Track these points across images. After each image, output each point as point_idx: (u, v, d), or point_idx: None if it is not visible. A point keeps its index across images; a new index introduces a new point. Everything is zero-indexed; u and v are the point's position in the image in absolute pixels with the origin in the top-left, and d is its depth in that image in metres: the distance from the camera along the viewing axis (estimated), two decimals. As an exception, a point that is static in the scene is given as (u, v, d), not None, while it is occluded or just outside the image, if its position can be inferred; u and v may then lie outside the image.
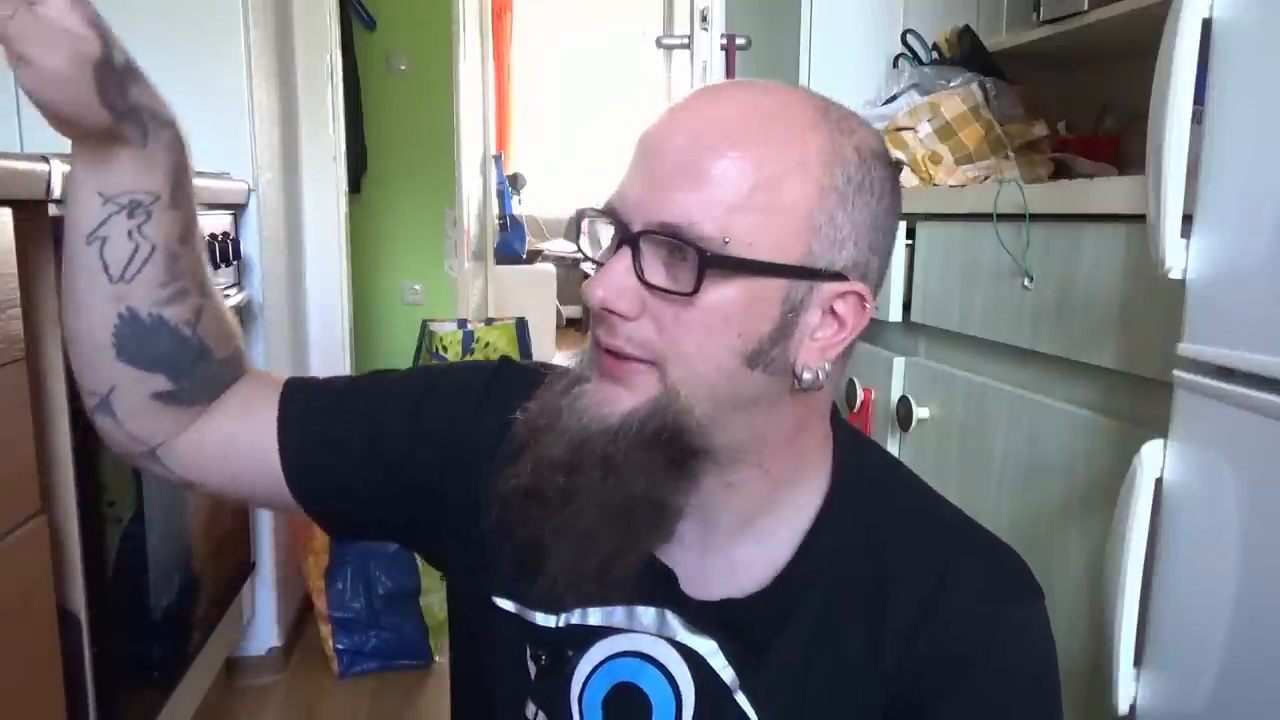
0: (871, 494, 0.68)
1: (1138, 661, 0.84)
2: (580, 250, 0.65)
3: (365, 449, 0.72)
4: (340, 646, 2.12)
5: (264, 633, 2.08)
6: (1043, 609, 0.66)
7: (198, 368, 0.68)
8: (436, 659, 2.17)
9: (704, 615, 0.65)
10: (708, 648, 0.65)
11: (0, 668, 0.96)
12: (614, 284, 0.58)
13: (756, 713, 0.64)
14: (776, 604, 0.64)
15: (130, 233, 0.62)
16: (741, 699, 0.65)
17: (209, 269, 0.69)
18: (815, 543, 0.65)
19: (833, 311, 0.60)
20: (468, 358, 3.06)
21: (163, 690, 1.47)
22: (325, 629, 2.12)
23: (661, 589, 0.65)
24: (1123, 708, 0.84)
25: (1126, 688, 0.84)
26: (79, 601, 1.14)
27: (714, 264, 0.56)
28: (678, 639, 0.66)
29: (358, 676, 2.13)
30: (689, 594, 0.65)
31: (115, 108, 0.59)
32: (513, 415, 0.66)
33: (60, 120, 0.59)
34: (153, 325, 0.65)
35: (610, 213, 0.60)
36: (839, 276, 0.59)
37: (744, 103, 0.59)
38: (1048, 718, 0.65)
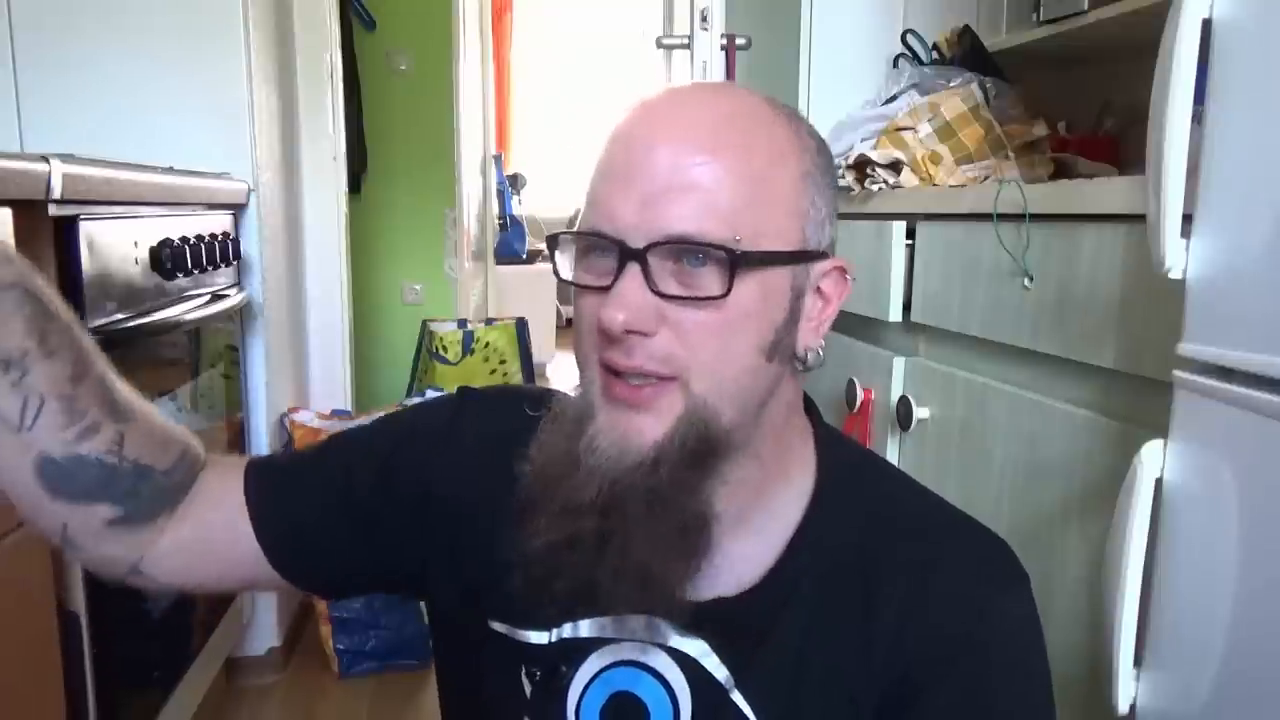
0: (857, 488, 0.68)
1: (1138, 661, 0.84)
2: (561, 274, 0.63)
3: (342, 517, 0.72)
4: (340, 646, 2.12)
5: (264, 633, 2.08)
6: (1028, 593, 0.66)
7: (140, 487, 0.66)
8: (436, 659, 2.17)
9: (694, 617, 0.64)
10: (699, 649, 0.65)
11: (0, 668, 0.96)
12: (633, 303, 0.57)
13: (753, 710, 0.64)
14: (767, 600, 0.64)
15: (13, 385, 0.60)
16: (738, 697, 0.64)
17: (119, 388, 0.65)
18: (804, 538, 0.66)
19: (818, 290, 0.64)
20: (468, 358, 3.07)
21: (163, 690, 1.47)
22: (325, 629, 2.12)
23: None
24: (1123, 708, 0.84)
25: (1126, 688, 0.84)
26: (79, 601, 1.14)
27: (741, 262, 0.57)
28: (669, 644, 0.66)
29: (358, 676, 2.13)
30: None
31: None
32: (486, 448, 0.68)
33: None
34: (72, 464, 0.62)
35: (601, 234, 0.59)
36: (824, 255, 0.63)
37: (712, 106, 0.61)
38: (1036, 706, 0.65)
